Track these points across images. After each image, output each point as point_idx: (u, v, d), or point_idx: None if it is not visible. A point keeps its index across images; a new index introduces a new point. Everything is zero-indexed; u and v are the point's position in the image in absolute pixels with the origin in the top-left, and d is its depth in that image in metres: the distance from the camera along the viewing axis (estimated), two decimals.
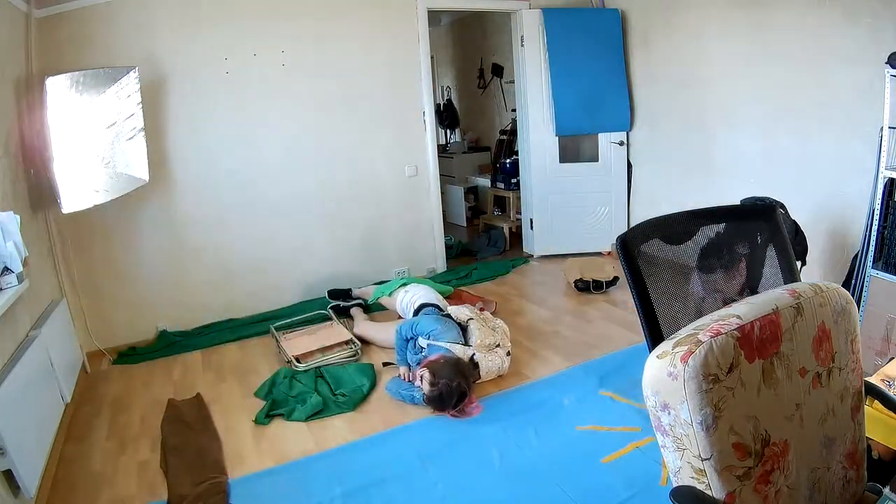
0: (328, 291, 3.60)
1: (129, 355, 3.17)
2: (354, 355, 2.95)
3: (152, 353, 3.17)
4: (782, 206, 2.58)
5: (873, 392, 1.16)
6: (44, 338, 2.26)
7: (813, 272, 3.03)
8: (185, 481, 2.03)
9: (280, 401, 2.57)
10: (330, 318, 3.36)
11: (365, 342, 3.12)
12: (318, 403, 2.50)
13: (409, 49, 3.85)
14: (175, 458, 2.17)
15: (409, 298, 3.10)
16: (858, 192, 2.73)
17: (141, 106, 2.90)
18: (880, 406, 1.22)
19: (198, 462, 2.15)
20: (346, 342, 3.06)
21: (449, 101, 6.87)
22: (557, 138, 4.29)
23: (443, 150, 6.01)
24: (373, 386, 2.68)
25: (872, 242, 2.44)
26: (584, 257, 4.20)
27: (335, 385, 2.68)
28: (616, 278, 3.74)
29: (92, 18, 2.93)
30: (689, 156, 3.84)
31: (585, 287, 3.73)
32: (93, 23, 2.94)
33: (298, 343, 3.04)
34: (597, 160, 4.37)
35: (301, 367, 2.82)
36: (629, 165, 4.37)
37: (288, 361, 2.89)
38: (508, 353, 2.72)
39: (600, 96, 4.15)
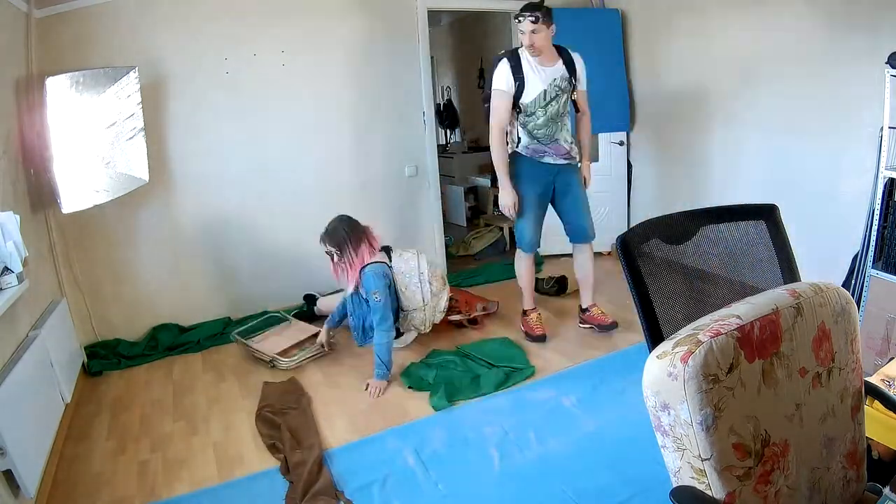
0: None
1: (129, 356, 3.16)
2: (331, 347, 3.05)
3: (152, 353, 3.17)
4: None
5: (873, 392, 1.16)
6: (44, 338, 2.26)
7: (813, 272, 3.02)
8: (292, 449, 2.19)
9: (449, 384, 2.62)
10: (285, 319, 3.36)
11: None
12: (501, 375, 2.67)
13: (409, 49, 3.85)
14: (280, 431, 2.32)
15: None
16: (858, 192, 2.73)
17: (141, 106, 2.90)
18: (880, 406, 1.22)
19: (299, 433, 2.31)
20: (316, 335, 3.09)
21: (449, 101, 6.88)
22: None
23: (443, 150, 6.01)
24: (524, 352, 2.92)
25: (872, 242, 2.44)
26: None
27: (495, 360, 2.83)
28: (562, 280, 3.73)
29: (92, 18, 2.93)
30: (690, 155, 3.84)
31: (545, 287, 3.76)
32: (93, 23, 2.94)
33: (272, 343, 3.06)
34: (597, 160, 4.37)
35: (284, 362, 2.86)
36: (629, 165, 4.37)
37: (269, 362, 2.92)
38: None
39: (600, 96, 4.12)
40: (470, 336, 3.15)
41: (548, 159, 2.87)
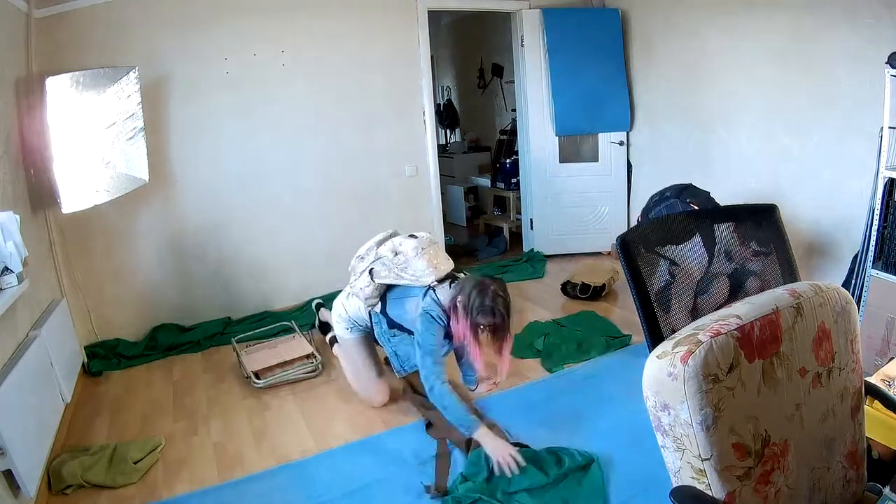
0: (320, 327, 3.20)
1: (129, 356, 3.16)
2: (315, 370, 2.83)
3: (152, 353, 3.17)
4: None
5: (873, 392, 1.16)
6: (44, 338, 2.26)
7: (813, 272, 3.03)
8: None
9: (557, 350, 2.88)
10: (293, 330, 3.23)
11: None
12: (603, 342, 2.92)
13: (409, 49, 3.85)
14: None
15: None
16: (858, 192, 2.73)
17: (141, 106, 2.89)
18: (880, 406, 1.22)
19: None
20: (307, 356, 2.92)
21: (449, 101, 6.87)
22: (557, 138, 4.29)
23: (443, 150, 6.01)
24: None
25: (872, 242, 2.43)
26: (590, 260, 4.18)
27: (591, 330, 3.07)
28: (605, 285, 3.58)
29: (92, 18, 2.93)
30: (689, 156, 3.84)
31: (574, 291, 3.60)
32: (93, 23, 2.94)
33: (259, 358, 2.90)
34: (597, 160, 4.37)
35: (260, 383, 2.69)
36: (629, 165, 4.37)
37: (247, 377, 2.76)
38: None
39: (600, 96, 4.15)
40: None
41: None
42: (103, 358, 3.06)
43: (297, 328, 3.25)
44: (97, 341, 3.19)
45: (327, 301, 3.64)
